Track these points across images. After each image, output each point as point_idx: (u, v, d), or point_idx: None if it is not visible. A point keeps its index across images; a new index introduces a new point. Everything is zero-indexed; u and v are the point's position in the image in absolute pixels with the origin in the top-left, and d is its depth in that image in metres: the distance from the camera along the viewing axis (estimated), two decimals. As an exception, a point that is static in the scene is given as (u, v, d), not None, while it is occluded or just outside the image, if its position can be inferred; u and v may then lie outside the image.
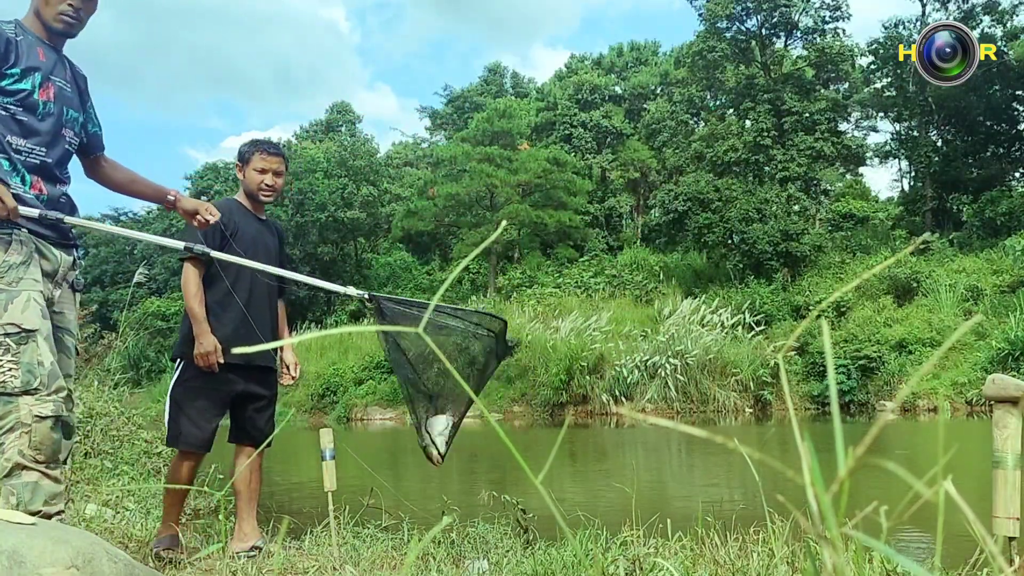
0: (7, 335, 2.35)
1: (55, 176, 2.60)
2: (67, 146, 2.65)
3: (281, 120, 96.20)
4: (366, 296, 3.01)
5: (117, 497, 4.48)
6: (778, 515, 2.69)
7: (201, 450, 3.20)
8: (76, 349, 2.77)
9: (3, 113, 2.46)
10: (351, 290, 3.05)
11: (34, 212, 2.48)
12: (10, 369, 2.33)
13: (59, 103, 2.59)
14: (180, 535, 3.19)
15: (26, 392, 2.34)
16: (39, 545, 1.76)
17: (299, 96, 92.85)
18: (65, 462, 2.55)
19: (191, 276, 3.14)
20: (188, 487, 3.21)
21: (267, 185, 3.34)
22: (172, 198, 2.93)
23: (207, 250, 2.96)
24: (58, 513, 2.39)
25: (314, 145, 35.80)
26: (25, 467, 2.33)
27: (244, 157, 3.37)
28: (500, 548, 3.36)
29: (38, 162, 2.54)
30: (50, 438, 2.36)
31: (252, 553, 3.14)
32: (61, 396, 2.41)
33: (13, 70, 2.46)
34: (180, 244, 3.00)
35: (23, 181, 2.50)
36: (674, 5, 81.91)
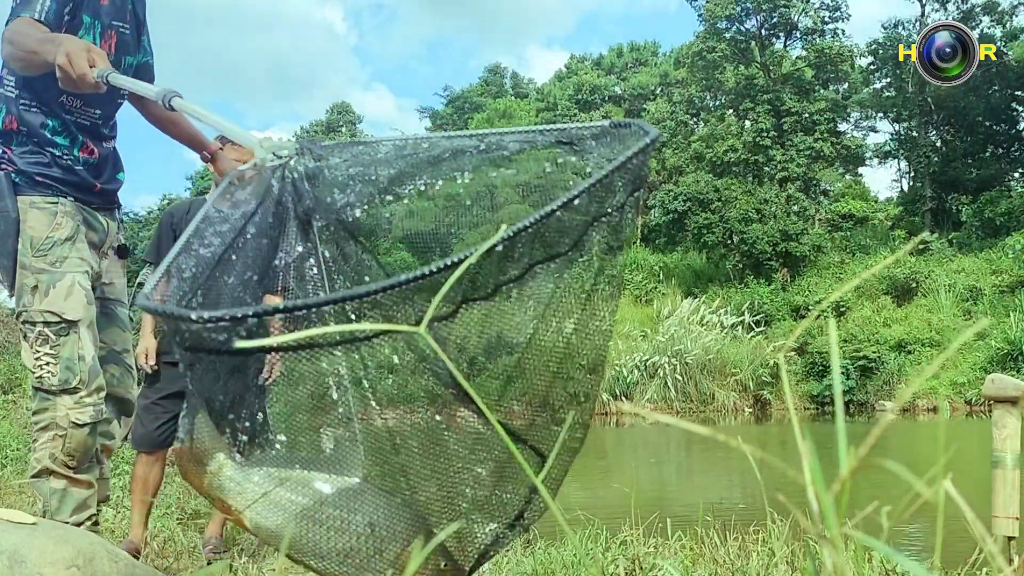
0: (47, 324, 2.14)
1: (103, 134, 2.40)
2: (120, 100, 2.42)
3: (279, 121, 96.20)
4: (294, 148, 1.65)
5: (118, 497, 4.48)
6: (778, 515, 2.70)
7: (143, 448, 3.21)
8: (131, 317, 2.54)
9: None
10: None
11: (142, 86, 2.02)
12: (48, 363, 2.13)
13: (118, 54, 2.35)
14: (142, 544, 3.16)
15: (64, 391, 2.14)
16: (39, 545, 1.76)
17: (296, 97, 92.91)
18: (125, 439, 2.43)
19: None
20: (148, 486, 3.22)
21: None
22: (209, 154, 2.65)
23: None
24: (88, 519, 2.25)
25: (314, 145, 35.83)
26: (53, 472, 2.17)
27: (221, 140, 3.34)
28: (500, 548, 3.36)
29: (88, 123, 2.33)
30: (85, 444, 2.18)
31: (206, 554, 3.15)
32: (100, 397, 2.21)
33: (84, 17, 2.23)
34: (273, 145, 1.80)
35: (73, 142, 2.29)
36: (670, 6, 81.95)
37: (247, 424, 1.35)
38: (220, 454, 1.39)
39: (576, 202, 1.16)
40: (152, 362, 3.20)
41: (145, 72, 2.54)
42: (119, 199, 2.50)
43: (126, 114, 2.71)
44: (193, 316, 1.08)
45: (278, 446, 1.44)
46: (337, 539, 1.39)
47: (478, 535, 1.42)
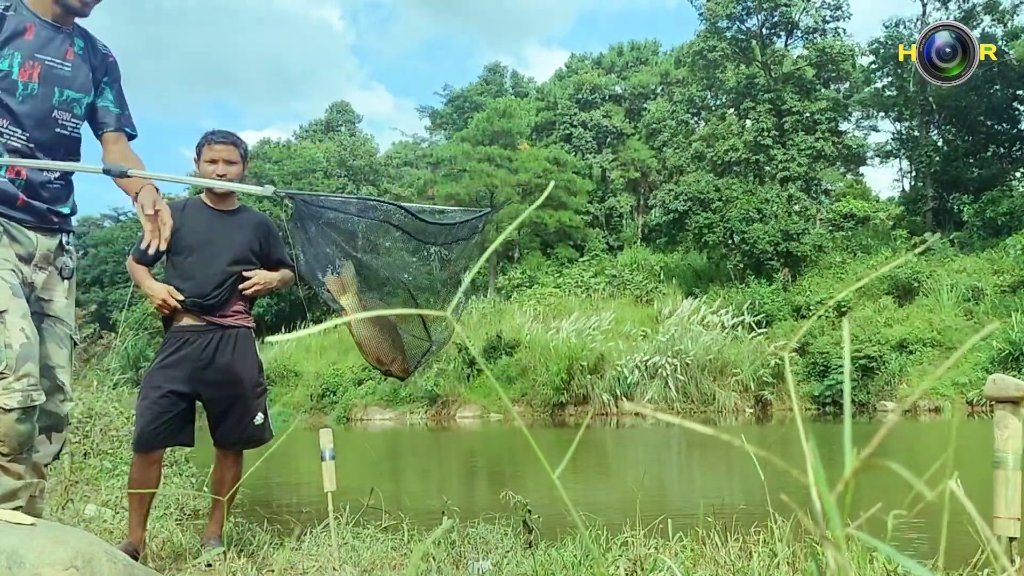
0: None
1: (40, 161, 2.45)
2: (59, 129, 2.49)
3: (277, 120, 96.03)
4: (273, 192, 2.84)
5: (117, 497, 4.47)
6: (779, 515, 2.69)
7: (139, 450, 3.15)
8: (74, 340, 2.58)
9: None
10: (254, 188, 2.93)
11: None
12: None
13: (48, 84, 2.43)
14: (140, 546, 3.11)
15: None
16: (38, 545, 1.76)
17: (294, 96, 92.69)
18: (57, 457, 2.45)
19: (134, 265, 3.32)
20: (143, 490, 3.15)
21: (218, 175, 3.26)
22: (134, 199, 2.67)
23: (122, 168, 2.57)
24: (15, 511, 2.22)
25: (313, 145, 35.82)
26: None
27: (197, 151, 3.33)
28: (500, 548, 3.35)
29: (19, 145, 2.39)
30: (15, 430, 2.20)
31: (206, 555, 3.11)
32: (30, 383, 2.25)
33: None
34: (263, 190, 2.96)
35: None
36: (668, 5, 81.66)
37: (365, 284, 2.85)
38: (352, 291, 2.80)
39: (462, 222, 2.98)
40: (180, 296, 3.16)
41: (99, 116, 2.65)
42: (61, 223, 2.53)
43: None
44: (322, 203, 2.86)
45: (373, 295, 2.87)
46: (379, 341, 2.91)
47: (417, 353, 3.04)
